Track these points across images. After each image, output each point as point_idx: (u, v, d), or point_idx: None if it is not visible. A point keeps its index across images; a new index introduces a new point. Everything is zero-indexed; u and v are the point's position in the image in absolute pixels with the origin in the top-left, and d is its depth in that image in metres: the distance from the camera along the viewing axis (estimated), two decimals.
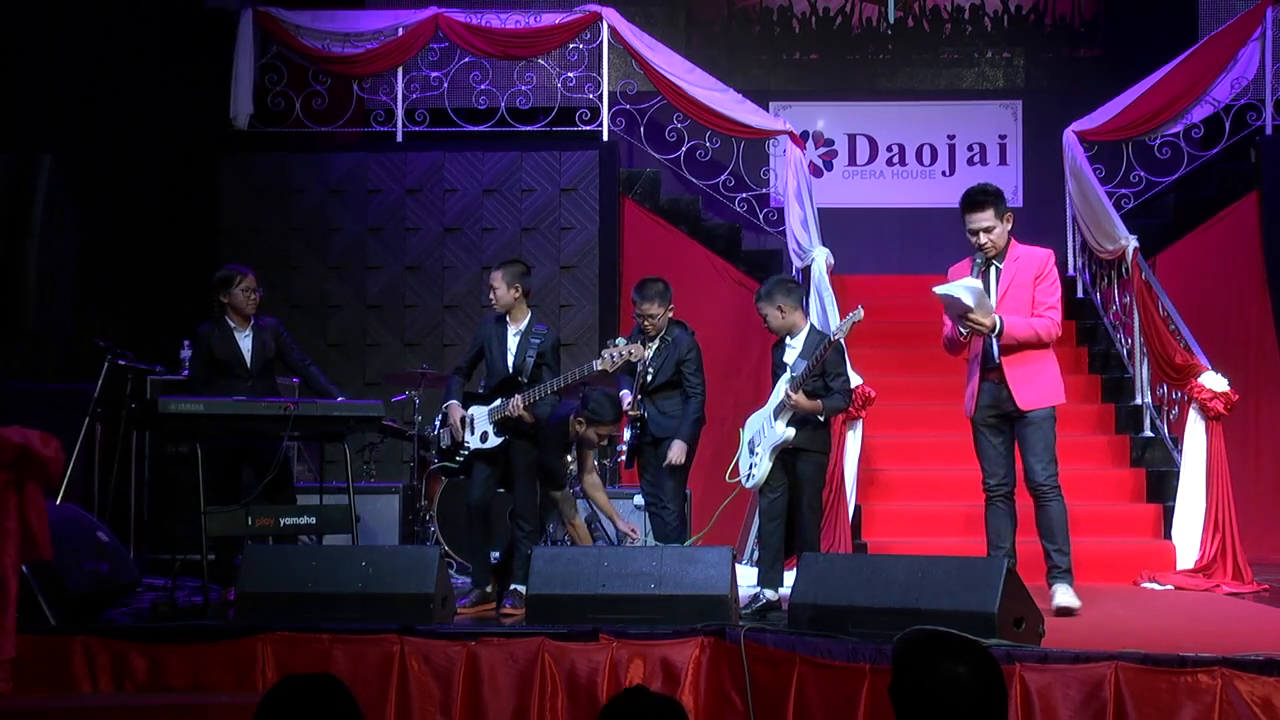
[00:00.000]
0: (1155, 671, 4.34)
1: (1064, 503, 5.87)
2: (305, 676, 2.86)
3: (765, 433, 6.12)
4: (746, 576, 6.88)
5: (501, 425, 6.27)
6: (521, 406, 6.19)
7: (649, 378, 6.54)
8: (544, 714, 5.00)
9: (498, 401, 6.29)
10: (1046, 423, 5.83)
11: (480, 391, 6.48)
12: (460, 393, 6.49)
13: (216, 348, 6.74)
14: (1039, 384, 5.83)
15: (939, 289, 5.75)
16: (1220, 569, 6.88)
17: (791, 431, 6.01)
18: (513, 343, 6.37)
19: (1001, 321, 5.74)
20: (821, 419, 6.13)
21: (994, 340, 5.79)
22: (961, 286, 5.71)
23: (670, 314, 6.62)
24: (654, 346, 6.58)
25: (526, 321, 6.40)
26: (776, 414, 6.07)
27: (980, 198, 5.86)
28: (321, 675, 2.88)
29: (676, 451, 6.46)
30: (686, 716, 2.77)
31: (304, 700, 2.78)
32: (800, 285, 6.68)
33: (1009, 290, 5.84)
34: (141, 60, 8.98)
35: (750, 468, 6.18)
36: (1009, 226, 5.88)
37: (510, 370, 6.32)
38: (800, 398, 5.99)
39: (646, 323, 6.59)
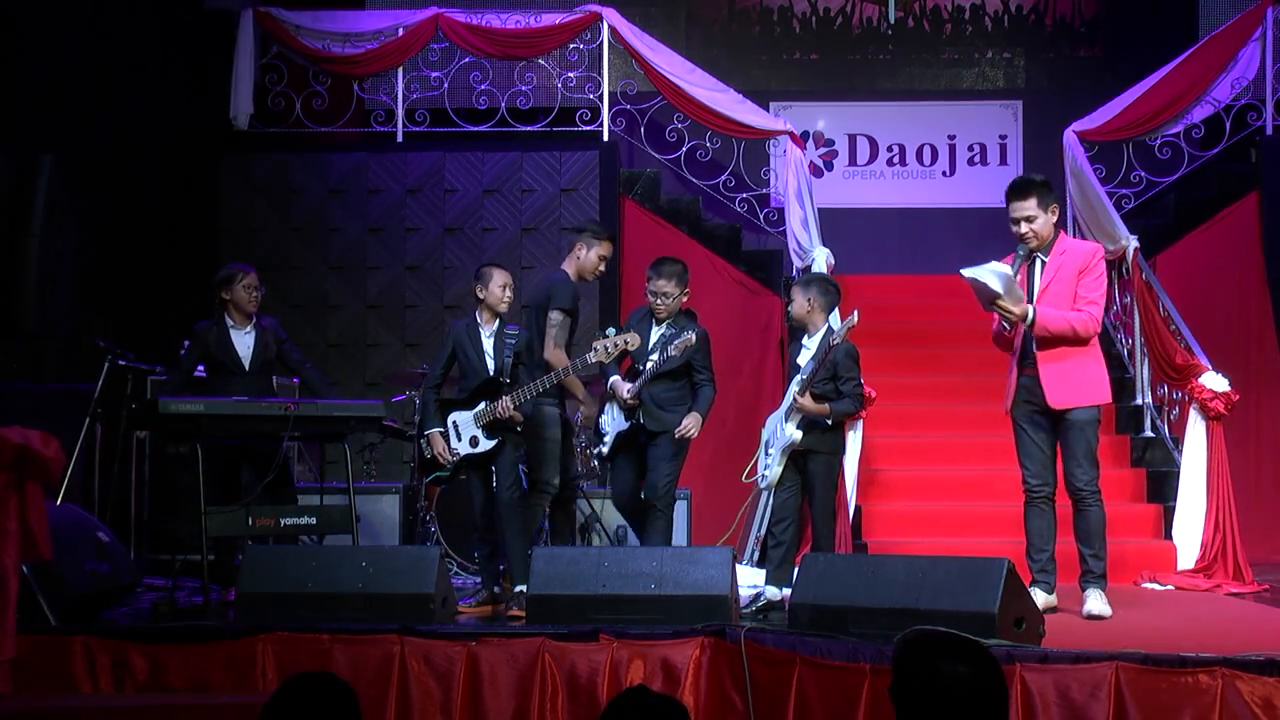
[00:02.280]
0: (1156, 672, 4.34)
1: (1104, 508, 5.74)
2: (313, 675, 2.88)
3: (778, 434, 6.14)
4: (747, 577, 6.88)
5: (491, 427, 6.25)
6: (511, 407, 6.19)
7: (649, 364, 6.27)
8: (544, 714, 5.00)
9: (482, 405, 6.27)
10: (1089, 426, 5.66)
11: (457, 397, 6.41)
12: (439, 413, 6.38)
13: (213, 348, 6.74)
14: (1074, 382, 5.64)
15: (966, 271, 5.57)
16: (1221, 569, 6.88)
17: (799, 434, 6.03)
18: (488, 344, 6.34)
19: (1034, 312, 5.57)
20: (829, 422, 6.12)
21: (1031, 333, 5.64)
22: (989, 270, 5.53)
23: (685, 299, 6.43)
24: (659, 331, 6.37)
25: (498, 324, 6.37)
26: (787, 415, 6.09)
27: (1023, 185, 5.69)
28: (328, 675, 2.90)
29: (692, 422, 6.28)
30: (688, 716, 2.77)
31: (313, 698, 2.80)
32: (839, 292, 6.47)
33: (1051, 285, 5.64)
34: (142, 60, 8.98)
35: (765, 468, 6.21)
36: (1054, 218, 5.68)
37: (491, 373, 6.31)
38: (807, 400, 6.01)
39: (659, 302, 6.37)
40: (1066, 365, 5.65)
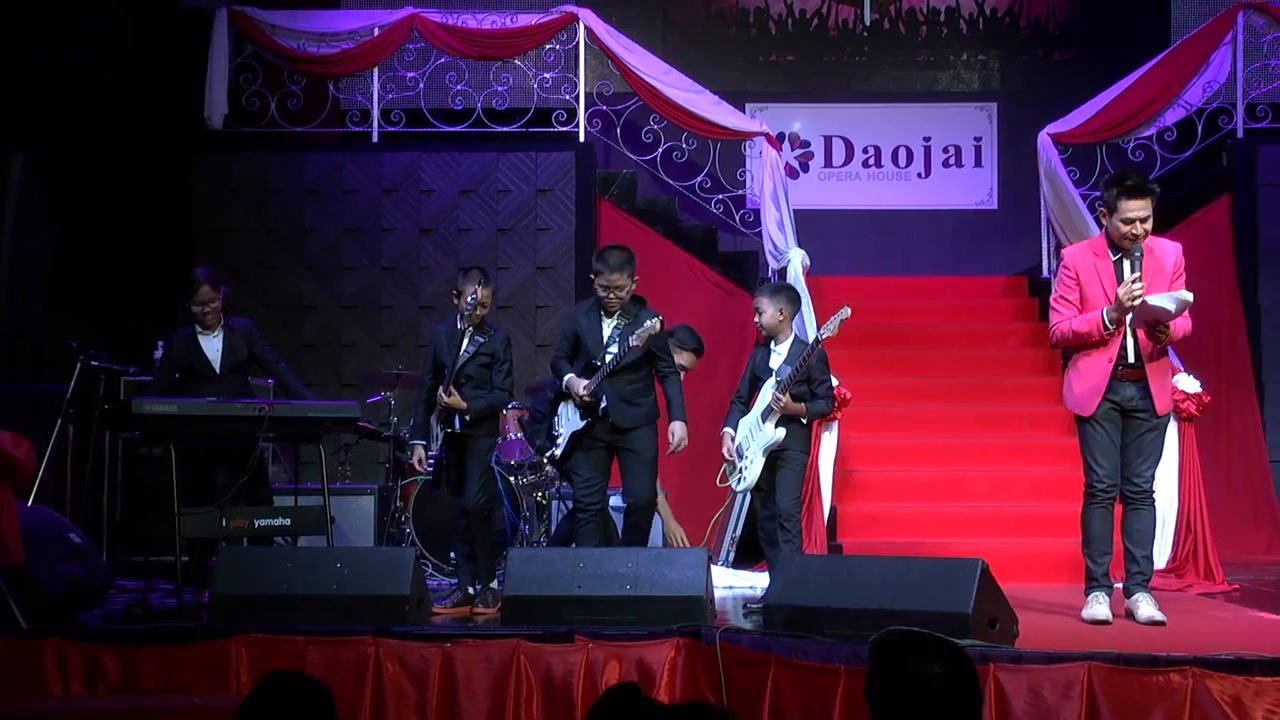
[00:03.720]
0: (1127, 671, 4.37)
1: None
2: (288, 675, 2.87)
3: (754, 436, 6.17)
4: (722, 578, 6.89)
5: (445, 420, 6.26)
6: (445, 398, 6.15)
7: (607, 358, 6.06)
8: (519, 715, 5.00)
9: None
10: (1166, 427, 5.74)
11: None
12: (424, 424, 6.45)
13: (179, 355, 6.71)
14: (1169, 388, 5.74)
15: (1153, 300, 5.38)
16: (1192, 569, 6.92)
17: (782, 432, 6.10)
18: (464, 343, 6.28)
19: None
20: (804, 421, 6.19)
21: (1132, 340, 5.52)
22: (1171, 298, 5.40)
23: (634, 285, 6.11)
24: (612, 324, 6.12)
25: (475, 326, 6.31)
26: (765, 417, 6.12)
27: (1145, 184, 5.58)
28: (303, 675, 2.90)
29: (682, 433, 6.15)
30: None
31: (288, 698, 2.79)
32: (804, 302, 6.44)
33: (1149, 287, 5.46)
34: (116, 59, 8.93)
35: (741, 471, 6.23)
36: None
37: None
38: (788, 399, 6.06)
39: (613, 295, 6.02)
40: (1167, 373, 5.71)
